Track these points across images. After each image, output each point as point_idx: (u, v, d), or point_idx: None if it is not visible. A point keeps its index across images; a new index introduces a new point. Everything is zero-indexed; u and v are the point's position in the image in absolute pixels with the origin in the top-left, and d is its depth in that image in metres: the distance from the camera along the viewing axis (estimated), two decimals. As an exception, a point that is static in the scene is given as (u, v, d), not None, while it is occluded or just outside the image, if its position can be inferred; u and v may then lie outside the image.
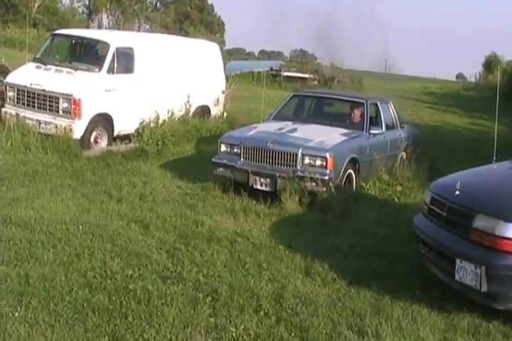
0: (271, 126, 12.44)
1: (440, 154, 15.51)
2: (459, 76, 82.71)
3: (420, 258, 7.82)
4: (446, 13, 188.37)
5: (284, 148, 11.20)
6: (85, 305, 6.33)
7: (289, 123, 12.65)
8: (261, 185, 11.24)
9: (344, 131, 12.29)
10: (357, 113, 13.05)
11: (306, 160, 11.08)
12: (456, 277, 6.76)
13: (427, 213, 7.70)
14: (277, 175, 11.05)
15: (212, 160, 11.83)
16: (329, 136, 11.82)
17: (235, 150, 11.65)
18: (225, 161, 11.65)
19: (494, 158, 9.42)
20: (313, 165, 11.03)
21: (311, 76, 41.50)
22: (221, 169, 11.67)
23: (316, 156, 11.06)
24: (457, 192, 7.11)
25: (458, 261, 6.73)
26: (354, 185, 11.82)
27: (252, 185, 11.28)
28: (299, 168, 11.04)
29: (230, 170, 11.51)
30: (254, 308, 6.66)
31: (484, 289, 6.48)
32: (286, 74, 41.75)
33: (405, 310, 6.91)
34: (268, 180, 11.17)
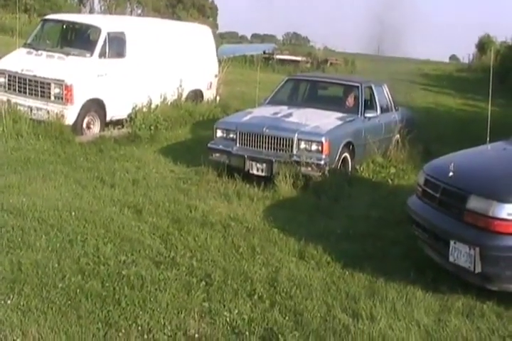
0: (266, 111, 12.43)
1: (434, 136, 15.47)
2: (452, 57, 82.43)
3: (414, 240, 7.83)
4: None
5: (280, 133, 11.20)
6: (78, 291, 6.31)
7: (285, 107, 12.63)
8: (257, 170, 11.25)
9: (339, 115, 12.28)
10: (352, 96, 13.04)
11: (302, 145, 11.09)
12: (451, 258, 6.76)
13: (421, 195, 7.69)
14: (273, 160, 11.05)
15: (208, 145, 11.81)
16: (324, 120, 11.82)
17: (231, 135, 11.64)
18: (221, 147, 11.64)
19: (488, 138, 9.40)
20: (309, 150, 11.05)
21: (304, 59, 41.32)
22: (217, 154, 11.65)
23: (311, 141, 11.06)
24: (451, 174, 7.10)
25: (452, 242, 6.73)
26: (349, 168, 11.81)
27: (249, 170, 11.28)
28: (295, 152, 11.05)
29: (226, 156, 11.50)
30: (248, 292, 6.66)
31: (478, 270, 6.49)
32: (279, 57, 41.56)
33: (400, 292, 6.91)
34: (264, 165, 11.18)
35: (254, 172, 11.25)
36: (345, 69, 38.29)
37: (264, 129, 11.26)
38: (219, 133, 11.84)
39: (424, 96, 28.47)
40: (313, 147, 11.03)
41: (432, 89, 32.83)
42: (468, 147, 8.62)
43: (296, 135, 11.07)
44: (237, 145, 11.49)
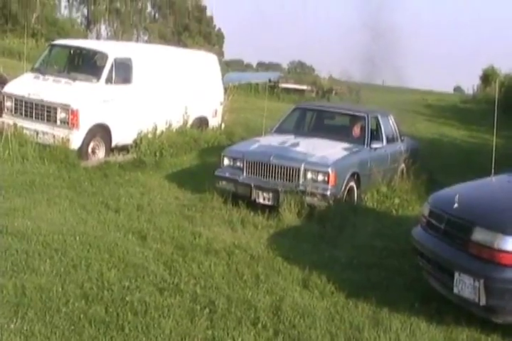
0: (273, 140, 12.48)
1: (438, 166, 15.52)
2: (457, 88, 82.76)
3: (419, 270, 7.81)
4: (444, 25, 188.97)
5: (287, 162, 11.25)
6: (82, 316, 6.29)
7: (291, 136, 12.69)
8: (263, 199, 11.28)
9: (346, 145, 12.33)
10: (358, 127, 13.10)
11: (309, 175, 11.14)
12: (455, 290, 6.74)
13: (426, 225, 7.68)
14: (280, 189, 11.07)
15: (215, 173, 11.85)
16: (331, 150, 11.87)
17: (238, 164, 11.69)
18: (227, 175, 11.68)
19: (492, 170, 9.42)
20: (316, 180, 11.09)
21: (309, 88, 41.48)
22: (224, 182, 11.68)
23: (318, 171, 11.11)
24: (456, 205, 7.10)
25: (456, 273, 6.71)
26: (355, 197, 11.82)
27: (255, 199, 11.31)
28: (301, 182, 11.09)
29: (233, 184, 11.54)
30: (251, 321, 6.63)
31: (483, 302, 6.47)
32: (284, 85, 41.72)
33: (404, 322, 6.88)
34: (271, 194, 11.21)
35: (261, 201, 11.27)
36: (350, 98, 38.40)
37: (271, 158, 11.30)
38: (226, 162, 11.88)
39: (429, 127, 28.58)
40: (320, 177, 11.07)
41: (436, 120, 32.92)
42: (472, 178, 8.63)
43: (303, 165, 11.11)
44: (244, 173, 11.53)
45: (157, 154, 14.83)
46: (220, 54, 63.83)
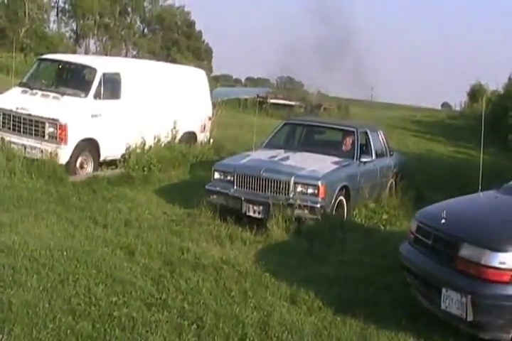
0: (263, 154, 12.56)
1: (426, 182, 15.56)
2: (445, 105, 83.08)
3: (406, 286, 7.80)
4: (432, 41, 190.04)
5: (277, 176, 11.31)
6: (69, 332, 6.25)
7: (281, 151, 12.77)
8: (254, 212, 11.34)
9: (335, 159, 12.42)
10: (348, 141, 13.19)
11: (299, 189, 11.21)
12: (442, 306, 6.74)
13: (413, 241, 7.69)
14: (270, 202, 11.10)
15: (206, 187, 11.89)
16: (321, 164, 11.95)
17: (229, 177, 11.74)
18: (218, 188, 11.72)
19: (480, 187, 9.45)
20: (306, 193, 11.16)
21: (298, 103, 41.53)
22: (214, 196, 11.72)
23: (308, 184, 11.19)
24: (443, 221, 7.11)
25: (444, 289, 6.71)
26: (345, 211, 11.87)
27: (245, 212, 11.35)
28: (291, 195, 11.16)
29: (224, 198, 11.58)
30: (239, 336, 6.61)
31: (470, 318, 6.46)
32: (272, 101, 41.75)
33: (391, 339, 6.89)
34: (261, 207, 11.27)
35: (251, 214, 11.34)
36: (338, 114, 38.48)
37: (261, 172, 11.36)
38: (216, 175, 11.93)
39: (417, 142, 28.67)
40: (310, 190, 11.15)
41: (424, 135, 33.02)
42: (460, 194, 8.65)
43: (293, 178, 11.19)
44: (235, 187, 11.58)
45: (145, 169, 14.82)
46: (208, 69, 63.97)
